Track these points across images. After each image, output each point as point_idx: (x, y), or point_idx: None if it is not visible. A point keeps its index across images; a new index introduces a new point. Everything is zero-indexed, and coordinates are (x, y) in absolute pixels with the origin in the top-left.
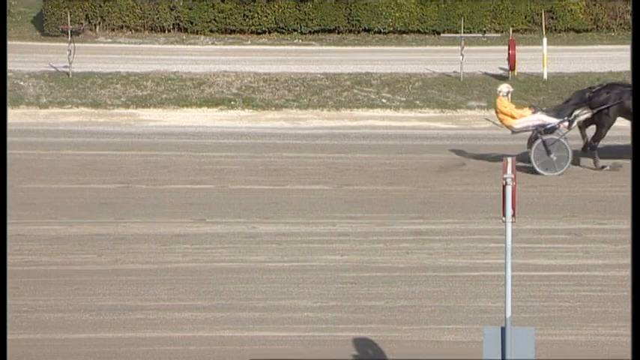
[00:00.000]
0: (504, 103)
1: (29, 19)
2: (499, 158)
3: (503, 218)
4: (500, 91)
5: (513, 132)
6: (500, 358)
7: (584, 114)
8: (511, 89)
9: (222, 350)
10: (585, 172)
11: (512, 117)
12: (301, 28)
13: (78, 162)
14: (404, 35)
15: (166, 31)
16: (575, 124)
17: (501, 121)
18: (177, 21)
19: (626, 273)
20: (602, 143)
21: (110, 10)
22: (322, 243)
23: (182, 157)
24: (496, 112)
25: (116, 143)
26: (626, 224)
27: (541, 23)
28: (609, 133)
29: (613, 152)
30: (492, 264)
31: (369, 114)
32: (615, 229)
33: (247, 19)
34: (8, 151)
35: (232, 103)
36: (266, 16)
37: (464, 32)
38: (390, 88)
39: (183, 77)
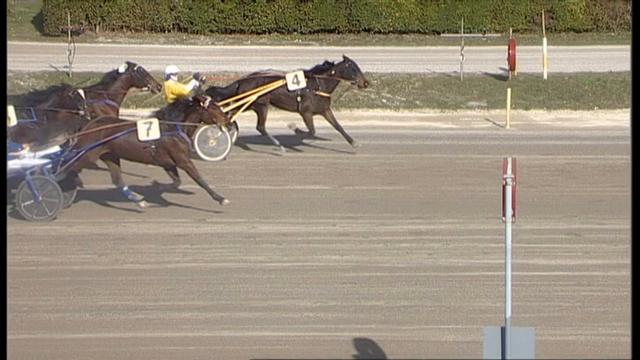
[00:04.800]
0: None
1: (29, 19)
2: (499, 158)
3: (503, 218)
4: None
5: None
6: (500, 358)
7: None
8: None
9: (222, 350)
10: (585, 172)
11: None
12: (301, 28)
13: None
14: (404, 35)
15: (166, 31)
16: None
17: None
18: (177, 21)
19: (626, 273)
20: None
21: (110, 10)
22: (322, 243)
23: None
24: None
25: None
26: (626, 224)
27: (541, 23)
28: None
29: None
30: (492, 264)
31: (369, 114)
32: (615, 229)
33: (247, 19)
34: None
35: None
36: (266, 16)
37: (464, 32)
38: (390, 88)
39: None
